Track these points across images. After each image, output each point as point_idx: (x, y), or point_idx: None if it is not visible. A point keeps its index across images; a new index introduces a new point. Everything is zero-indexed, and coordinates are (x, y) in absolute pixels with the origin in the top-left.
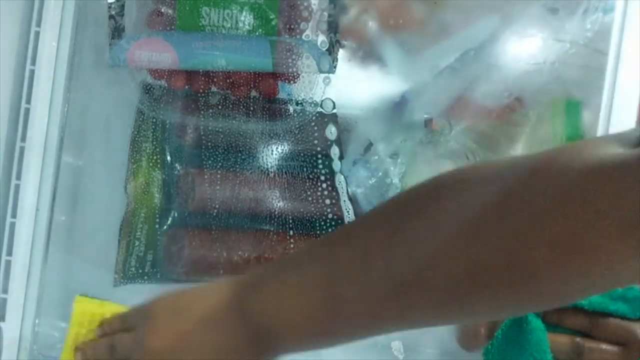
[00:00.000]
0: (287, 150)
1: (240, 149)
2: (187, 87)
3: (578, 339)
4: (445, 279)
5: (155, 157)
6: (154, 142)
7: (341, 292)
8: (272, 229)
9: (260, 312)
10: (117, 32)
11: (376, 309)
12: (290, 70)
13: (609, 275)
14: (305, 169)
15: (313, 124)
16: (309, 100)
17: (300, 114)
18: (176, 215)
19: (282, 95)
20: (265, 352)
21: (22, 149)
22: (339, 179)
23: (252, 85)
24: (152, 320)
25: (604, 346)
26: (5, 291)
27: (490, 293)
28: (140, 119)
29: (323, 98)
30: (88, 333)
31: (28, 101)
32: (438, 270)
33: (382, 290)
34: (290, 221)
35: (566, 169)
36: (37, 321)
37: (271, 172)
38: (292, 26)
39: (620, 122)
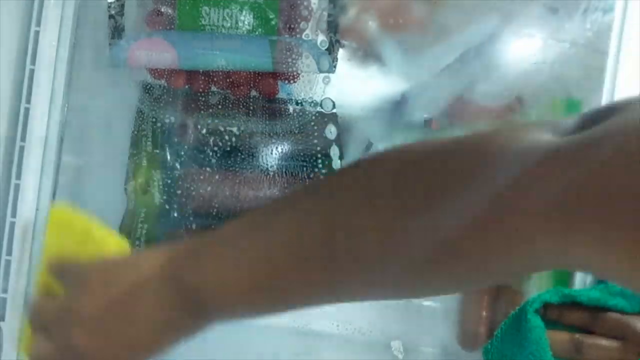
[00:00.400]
0: (287, 150)
1: (240, 148)
2: (187, 86)
3: (577, 336)
4: (376, 253)
5: (155, 157)
6: (154, 142)
7: (277, 263)
8: None
9: (195, 282)
10: (117, 31)
11: (312, 281)
12: (290, 69)
13: (530, 259)
14: (305, 169)
15: (313, 123)
16: (309, 100)
17: (300, 113)
18: (176, 215)
19: (282, 95)
20: (199, 320)
21: (22, 149)
22: None
23: (252, 85)
24: (83, 287)
25: (604, 342)
26: (5, 291)
27: (413, 273)
28: (140, 118)
29: (323, 98)
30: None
31: (28, 101)
32: (370, 244)
33: (317, 261)
34: None
35: (501, 149)
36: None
37: (271, 172)
38: (292, 26)
39: None
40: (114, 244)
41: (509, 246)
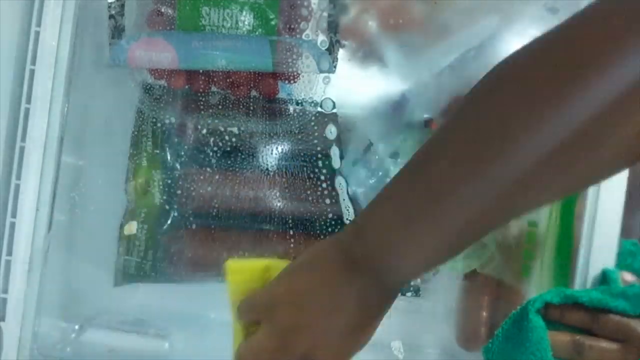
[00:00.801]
0: (287, 150)
1: (240, 149)
2: (187, 87)
3: (578, 337)
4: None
5: (155, 157)
6: (154, 142)
7: (437, 204)
8: (272, 228)
9: (373, 257)
10: (117, 31)
11: (477, 214)
12: (290, 70)
13: None
14: (305, 169)
15: (313, 123)
16: (309, 100)
17: (300, 113)
18: (176, 215)
19: (282, 95)
20: (393, 288)
21: (22, 149)
22: (339, 180)
23: (252, 85)
24: (276, 304)
25: (605, 344)
26: (5, 291)
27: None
28: (140, 119)
29: (323, 98)
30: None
31: (28, 101)
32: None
33: (480, 198)
34: (290, 221)
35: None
36: (37, 321)
37: (271, 172)
38: (292, 26)
39: None
40: None
41: None
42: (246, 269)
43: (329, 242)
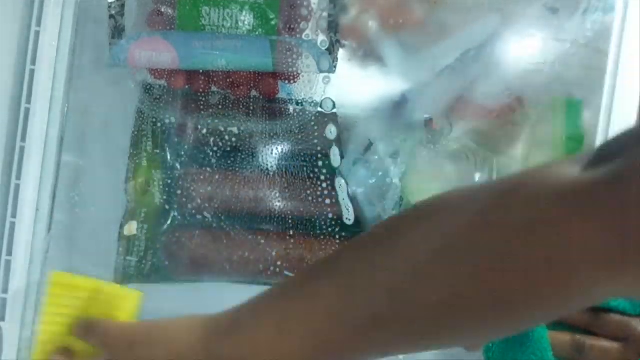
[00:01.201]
0: (287, 150)
1: (240, 149)
2: (187, 87)
3: (579, 337)
4: (421, 310)
5: (155, 157)
6: (154, 142)
7: (319, 329)
8: (272, 229)
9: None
10: (117, 31)
11: (357, 342)
12: (290, 70)
13: (584, 299)
14: (305, 169)
15: (313, 123)
16: (309, 100)
17: (300, 113)
18: (176, 215)
19: (282, 95)
20: None
21: (22, 149)
22: (339, 180)
23: (252, 85)
24: (127, 352)
25: (605, 343)
26: (5, 291)
27: (468, 321)
28: (140, 119)
29: (323, 98)
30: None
31: (28, 101)
32: (414, 301)
33: (361, 323)
34: (290, 221)
35: (533, 196)
36: (37, 321)
37: (271, 172)
38: (292, 26)
39: (620, 122)
40: (127, 297)
41: (562, 294)
42: (70, 286)
43: (201, 323)
